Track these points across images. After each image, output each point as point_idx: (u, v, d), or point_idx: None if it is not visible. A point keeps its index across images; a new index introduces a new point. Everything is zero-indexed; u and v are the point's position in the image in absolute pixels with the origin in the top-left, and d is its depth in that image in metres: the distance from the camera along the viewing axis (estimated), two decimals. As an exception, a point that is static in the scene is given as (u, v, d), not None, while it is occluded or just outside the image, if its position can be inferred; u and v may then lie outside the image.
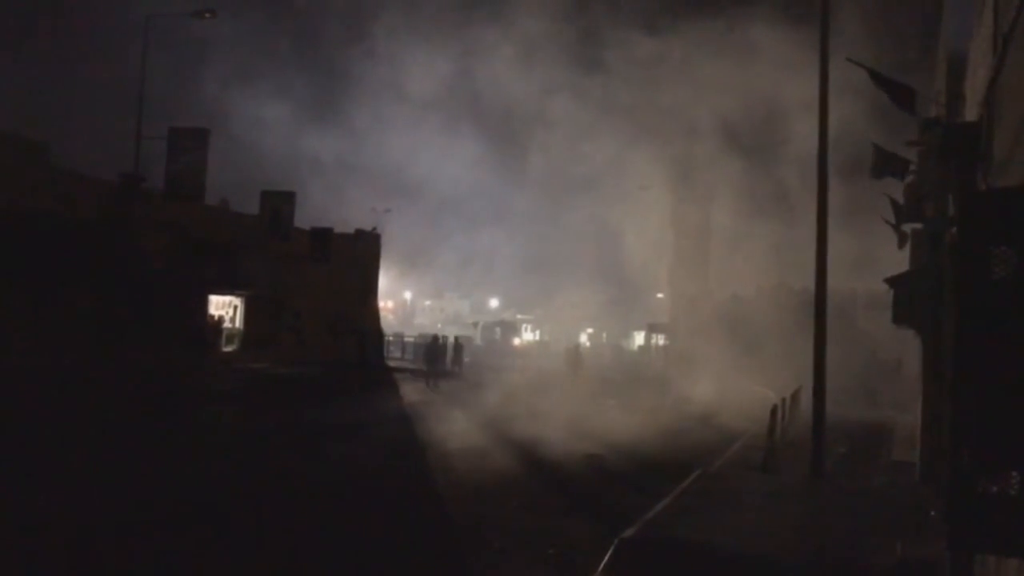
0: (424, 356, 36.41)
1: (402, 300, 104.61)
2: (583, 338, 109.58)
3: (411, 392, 29.97)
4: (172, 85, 50.99)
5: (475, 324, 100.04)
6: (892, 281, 14.15)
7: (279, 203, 35.93)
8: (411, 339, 53.46)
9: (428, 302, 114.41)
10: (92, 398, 21.16)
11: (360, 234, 44.94)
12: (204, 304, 34.69)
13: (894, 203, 15.69)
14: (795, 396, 21.59)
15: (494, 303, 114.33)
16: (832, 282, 15.95)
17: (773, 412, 16.51)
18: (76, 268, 26.47)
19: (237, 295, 36.62)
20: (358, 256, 43.57)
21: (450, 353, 38.34)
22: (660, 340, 72.43)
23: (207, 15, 30.88)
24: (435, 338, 37.10)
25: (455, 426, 20.55)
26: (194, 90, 52.93)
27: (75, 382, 22.77)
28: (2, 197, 24.64)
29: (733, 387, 32.55)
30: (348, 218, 46.80)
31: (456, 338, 42.21)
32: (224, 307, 36.51)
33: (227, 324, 36.52)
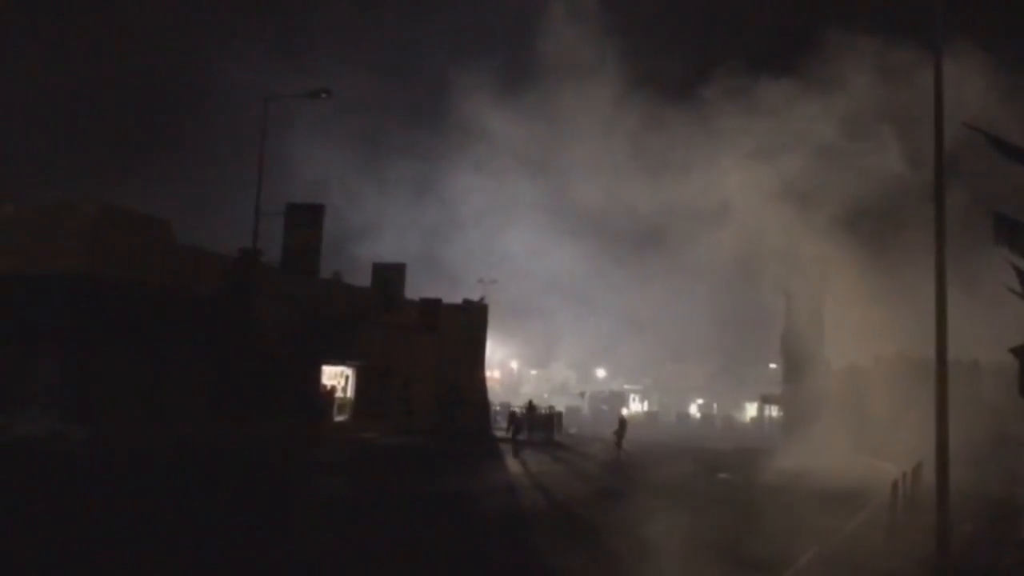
0: (508, 425, 36.89)
1: (509, 369, 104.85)
2: (692, 408, 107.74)
3: (515, 463, 29.88)
4: (291, 161, 53.06)
5: (582, 394, 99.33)
6: (1018, 351, 13.49)
7: (390, 275, 36.73)
8: (517, 409, 53.42)
9: (534, 371, 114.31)
10: (212, 467, 21.77)
11: (468, 304, 45.46)
12: (318, 375, 35.50)
13: (1019, 272, 15.05)
14: (916, 471, 20.65)
15: (601, 373, 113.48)
16: (954, 351, 15.33)
17: (894, 487, 15.83)
18: (197, 339, 27.55)
19: (349, 365, 37.37)
20: (466, 326, 44.02)
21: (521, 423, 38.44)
22: (773, 411, 70.47)
23: (323, 95, 32.07)
24: (523, 409, 37.51)
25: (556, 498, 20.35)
26: (312, 166, 54.95)
27: (195, 450, 23.48)
28: (130, 272, 25.93)
29: (851, 460, 31.38)
30: (457, 288, 47.46)
31: (551, 408, 42.27)
32: (336, 377, 37.28)
33: (339, 394, 37.23)
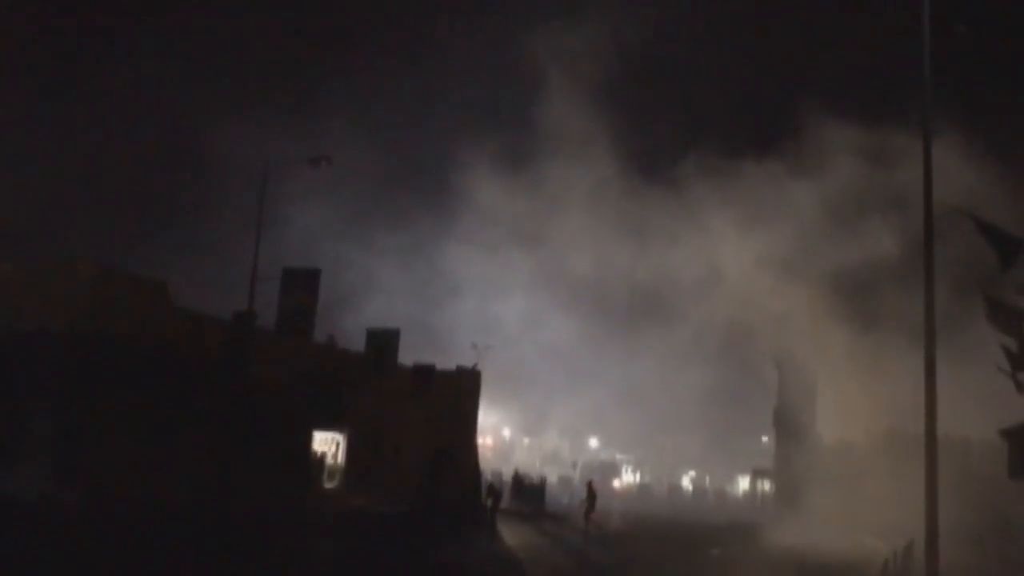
0: (486, 495, 36.44)
1: (501, 437, 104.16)
2: (685, 481, 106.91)
3: (508, 534, 29.62)
4: (289, 226, 53.52)
5: (574, 464, 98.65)
6: (1008, 434, 13.61)
7: (384, 340, 36.76)
8: (493, 479, 53.04)
9: (527, 439, 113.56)
10: (202, 534, 21.60)
11: (461, 371, 45.41)
12: (309, 440, 35.30)
13: (1007, 351, 15.23)
14: (907, 549, 20.58)
15: (594, 442, 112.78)
16: (945, 428, 15.42)
17: (884, 566, 15.79)
18: (191, 402, 27.49)
19: (340, 431, 37.18)
20: (459, 393, 43.91)
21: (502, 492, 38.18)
22: (766, 485, 70.06)
23: (323, 162, 32.48)
24: (498, 478, 37.28)
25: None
26: (310, 230, 55.42)
27: (185, 515, 23.30)
28: (126, 333, 26.00)
29: (842, 537, 31.15)
30: (451, 355, 47.51)
31: (542, 478, 42.06)
32: (327, 443, 37.06)
33: (329, 460, 36.97)
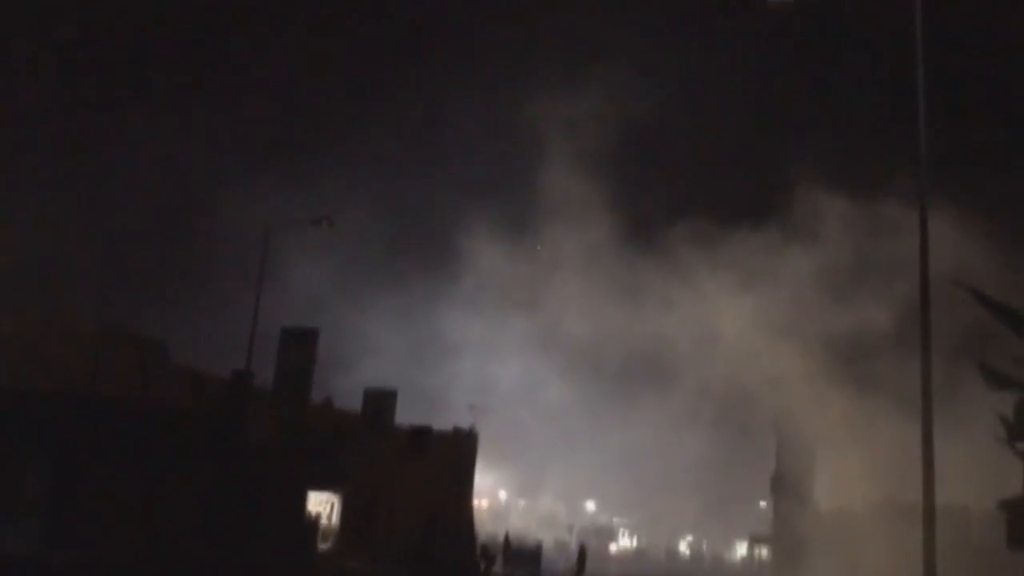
0: (480, 557, 36.25)
1: (497, 499, 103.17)
2: (682, 546, 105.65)
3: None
4: (288, 285, 53.74)
5: (570, 528, 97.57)
6: (1007, 505, 13.60)
7: (381, 401, 36.79)
8: (487, 541, 52.55)
9: (523, 502, 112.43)
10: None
11: (458, 433, 45.24)
12: (304, 501, 35.04)
13: (1004, 421, 15.29)
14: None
15: (590, 505, 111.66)
16: (944, 497, 15.39)
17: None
18: (187, 460, 27.36)
19: (335, 492, 36.92)
20: (455, 454, 43.70)
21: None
22: (764, 551, 69.30)
23: (324, 224, 32.77)
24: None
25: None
26: (308, 290, 55.58)
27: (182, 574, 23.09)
28: (124, 390, 26.03)
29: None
30: (447, 416, 47.39)
31: (538, 542, 41.69)
32: (322, 504, 36.76)
33: (324, 522, 36.64)
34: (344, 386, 40.98)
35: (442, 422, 43.35)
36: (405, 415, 39.33)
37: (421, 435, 39.71)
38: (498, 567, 36.44)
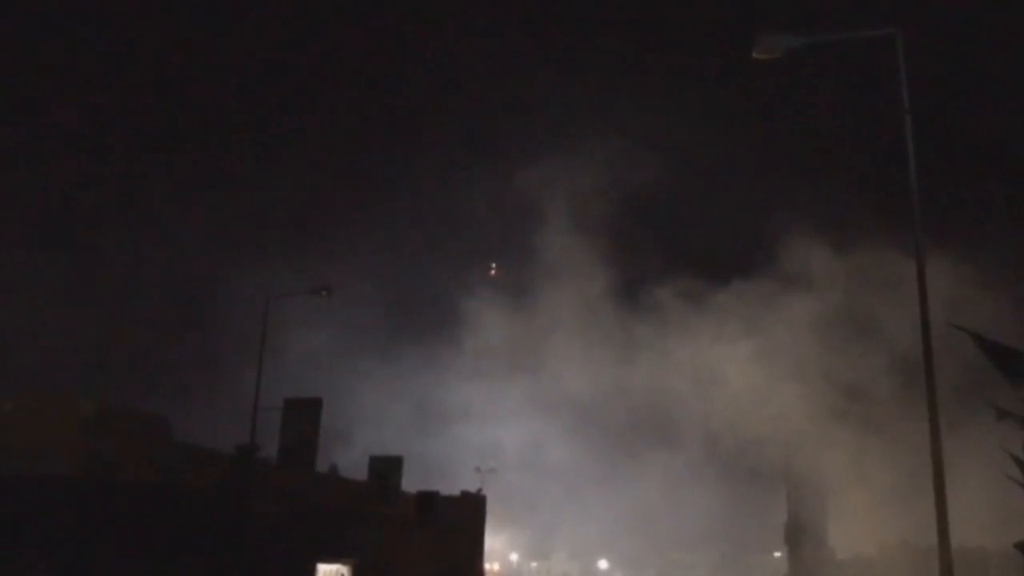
0: None
1: (508, 562, 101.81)
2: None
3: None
4: (290, 356, 53.69)
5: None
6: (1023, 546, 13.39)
7: (386, 468, 36.49)
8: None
9: (535, 564, 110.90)
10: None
11: (466, 496, 44.83)
12: (313, 574, 34.59)
13: (1017, 460, 15.13)
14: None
15: (603, 564, 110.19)
16: (960, 539, 15.21)
17: None
18: (193, 538, 27.05)
19: (344, 563, 36.45)
20: (464, 518, 43.25)
21: None
22: (781, 604, 68.12)
23: (323, 293, 32.84)
24: None
25: None
26: (310, 360, 55.55)
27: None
28: (126, 470, 25.79)
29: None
30: (453, 481, 47.06)
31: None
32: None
33: (334, 594, 36.14)
34: (348, 455, 40.78)
35: (449, 487, 43.03)
36: (411, 482, 39.02)
37: (429, 500, 39.34)
38: None
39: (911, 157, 14.99)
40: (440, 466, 52.07)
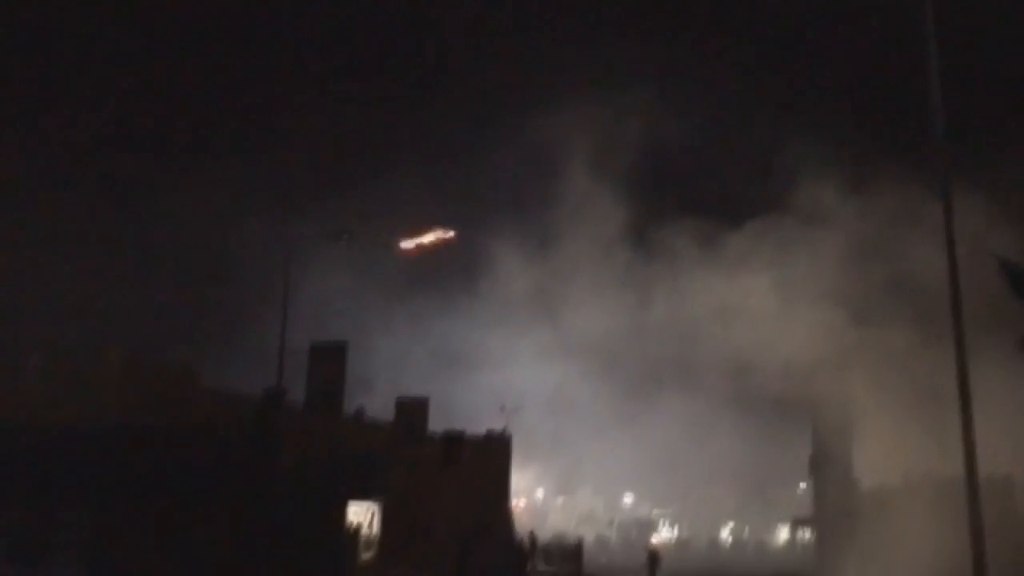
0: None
1: (534, 498, 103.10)
2: (723, 533, 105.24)
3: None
4: (315, 300, 53.96)
5: (610, 522, 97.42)
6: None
7: (412, 410, 36.84)
8: (544, 541, 52.46)
9: (560, 499, 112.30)
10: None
11: (491, 436, 45.23)
12: (343, 513, 35.13)
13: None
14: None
15: (628, 499, 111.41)
16: (986, 467, 15.24)
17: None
18: (223, 483, 27.52)
19: (374, 501, 37.01)
20: (489, 458, 43.69)
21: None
22: (806, 534, 68.79)
23: (344, 237, 32.93)
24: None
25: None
26: (335, 304, 55.81)
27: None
28: (155, 419, 26.19)
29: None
30: (478, 422, 47.40)
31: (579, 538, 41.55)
32: (362, 514, 36.85)
33: (364, 531, 36.72)
34: (372, 401, 41.03)
35: (474, 429, 43.36)
36: (436, 425, 39.37)
37: (455, 441, 39.75)
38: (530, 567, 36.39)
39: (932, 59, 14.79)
40: (464, 409, 52.46)
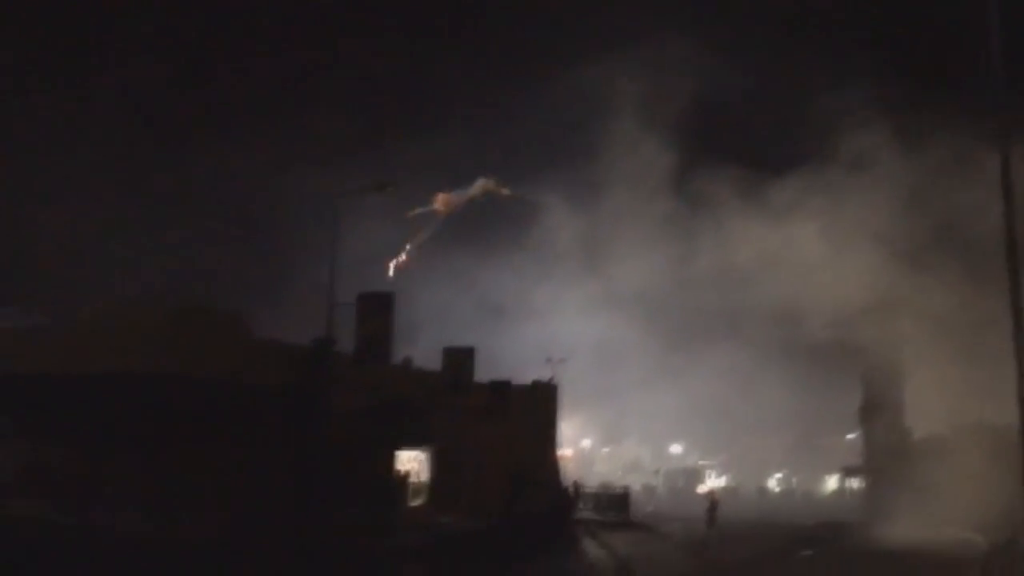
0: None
1: (581, 448, 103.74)
2: (771, 483, 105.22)
3: (594, 545, 29.64)
4: (355, 254, 54.32)
5: (657, 471, 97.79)
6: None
7: (460, 359, 37.07)
8: (591, 489, 52.88)
9: (607, 449, 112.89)
10: (295, 559, 22.01)
11: (537, 385, 45.44)
12: (392, 461, 35.67)
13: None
14: (1010, 543, 19.94)
15: (676, 448, 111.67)
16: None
17: (986, 561, 15.38)
18: (273, 431, 28.03)
19: (423, 450, 37.50)
20: (536, 407, 43.93)
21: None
22: (855, 483, 68.50)
23: (388, 188, 32.97)
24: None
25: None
26: (382, 256, 55.99)
27: (276, 542, 23.76)
28: (205, 368, 26.62)
29: (936, 531, 30.43)
30: (524, 372, 47.59)
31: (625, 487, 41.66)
32: (411, 462, 37.38)
33: (413, 479, 37.28)
34: (418, 351, 41.33)
35: (520, 378, 43.55)
36: (483, 375, 39.60)
37: (502, 389, 40.00)
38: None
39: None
40: (510, 361, 52.62)
